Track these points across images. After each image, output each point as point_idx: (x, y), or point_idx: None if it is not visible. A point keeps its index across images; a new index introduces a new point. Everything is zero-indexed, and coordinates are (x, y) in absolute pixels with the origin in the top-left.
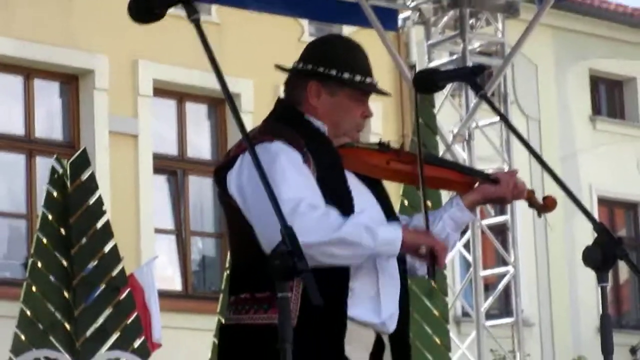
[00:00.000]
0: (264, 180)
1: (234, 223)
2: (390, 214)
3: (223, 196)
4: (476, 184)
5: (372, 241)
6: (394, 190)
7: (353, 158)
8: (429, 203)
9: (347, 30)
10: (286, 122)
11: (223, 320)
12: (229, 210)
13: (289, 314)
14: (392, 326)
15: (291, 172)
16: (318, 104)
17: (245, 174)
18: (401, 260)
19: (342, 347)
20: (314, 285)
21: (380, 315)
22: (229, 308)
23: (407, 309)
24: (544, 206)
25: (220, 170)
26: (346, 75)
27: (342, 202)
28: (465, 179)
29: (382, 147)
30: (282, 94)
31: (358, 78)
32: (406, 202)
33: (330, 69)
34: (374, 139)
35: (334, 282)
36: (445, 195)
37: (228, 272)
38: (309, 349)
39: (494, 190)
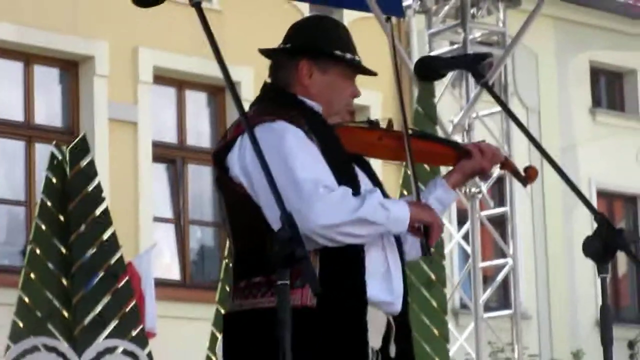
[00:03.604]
0: (263, 163)
1: (238, 206)
2: (382, 192)
3: (224, 179)
4: (459, 157)
5: (385, 219)
6: (393, 179)
7: (346, 136)
8: (420, 185)
9: (348, 19)
10: (279, 104)
11: (228, 308)
12: (232, 194)
13: (288, 300)
14: (399, 306)
15: (302, 151)
16: (310, 83)
17: (248, 155)
18: (399, 242)
19: (364, 330)
20: (312, 273)
21: (393, 293)
22: (239, 293)
23: (407, 290)
24: (528, 176)
25: (219, 153)
26: (338, 52)
27: (348, 180)
28: (452, 152)
29: (372, 124)
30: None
31: (349, 55)
32: (405, 192)
33: (322, 46)
34: None
35: (350, 261)
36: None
37: (228, 259)
38: (330, 334)
39: (472, 165)
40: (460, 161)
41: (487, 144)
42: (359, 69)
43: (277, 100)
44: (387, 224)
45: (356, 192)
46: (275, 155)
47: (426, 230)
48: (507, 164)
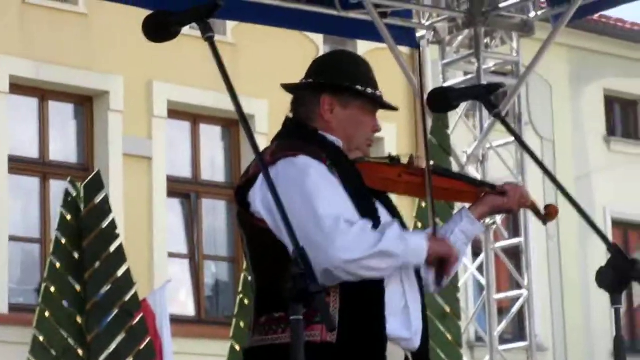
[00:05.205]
0: (277, 199)
1: (259, 241)
2: (402, 227)
3: (245, 215)
4: (482, 194)
5: (404, 250)
6: (406, 212)
7: (366, 172)
8: (437, 220)
9: (361, 50)
10: (301, 139)
11: (248, 343)
12: (253, 230)
13: (302, 336)
14: (417, 342)
15: (324, 186)
16: (332, 118)
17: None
18: (418, 275)
19: None
20: (326, 309)
21: (411, 329)
22: (259, 329)
23: (427, 325)
24: (547, 214)
25: (241, 189)
26: (359, 87)
27: (368, 215)
28: (473, 189)
29: (393, 160)
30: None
31: (369, 90)
32: (420, 225)
33: (344, 81)
34: None
35: (370, 297)
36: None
37: (243, 294)
38: None
39: (502, 202)
40: (489, 196)
41: (518, 185)
42: (380, 103)
43: (299, 135)
44: (405, 255)
45: (376, 226)
46: (297, 190)
47: (443, 264)
48: (533, 206)
